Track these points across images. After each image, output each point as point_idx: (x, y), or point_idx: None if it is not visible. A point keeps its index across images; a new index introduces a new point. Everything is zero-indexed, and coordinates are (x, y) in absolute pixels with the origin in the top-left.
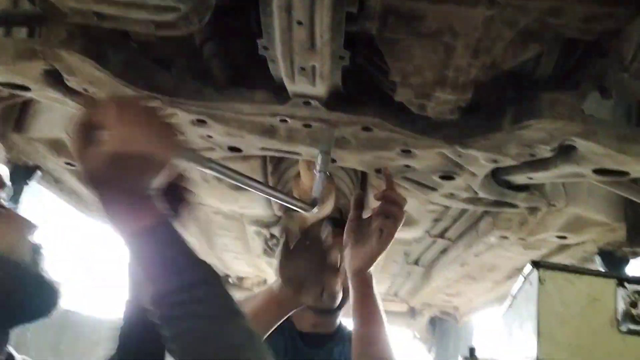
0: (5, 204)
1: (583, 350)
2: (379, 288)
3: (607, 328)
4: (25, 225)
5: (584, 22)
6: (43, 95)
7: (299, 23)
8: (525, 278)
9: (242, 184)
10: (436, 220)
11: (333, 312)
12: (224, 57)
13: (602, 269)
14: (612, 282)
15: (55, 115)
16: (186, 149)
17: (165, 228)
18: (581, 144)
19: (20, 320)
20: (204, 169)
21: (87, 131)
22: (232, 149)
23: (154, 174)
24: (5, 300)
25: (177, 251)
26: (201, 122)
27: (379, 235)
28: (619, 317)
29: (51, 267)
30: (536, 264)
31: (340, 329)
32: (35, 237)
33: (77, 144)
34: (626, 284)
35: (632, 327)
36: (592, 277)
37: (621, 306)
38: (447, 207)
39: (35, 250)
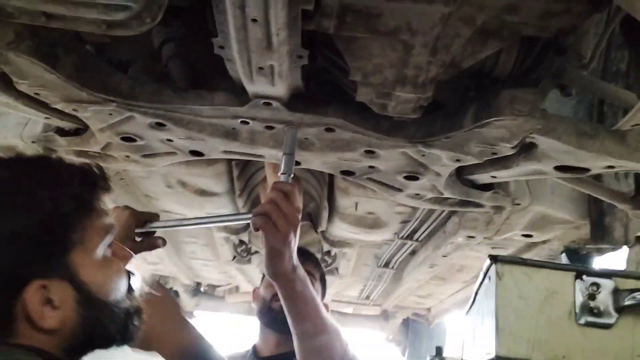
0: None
1: (542, 344)
2: (350, 292)
3: (566, 321)
4: (124, 257)
5: (540, 19)
6: None
7: (254, 20)
8: (484, 274)
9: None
10: (404, 222)
11: None
12: (182, 59)
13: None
14: (570, 275)
15: (8, 121)
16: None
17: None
18: (541, 140)
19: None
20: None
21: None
22: (194, 152)
23: None
24: (93, 333)
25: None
26: (160, 125)
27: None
28: (577, 310)
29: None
30: (494, 258)
31: None
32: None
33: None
34: (584, 277)
35: (590, 319)
36: (550, 270)
37: (579, 299)
38: (414, 209)
39: (128, 280)
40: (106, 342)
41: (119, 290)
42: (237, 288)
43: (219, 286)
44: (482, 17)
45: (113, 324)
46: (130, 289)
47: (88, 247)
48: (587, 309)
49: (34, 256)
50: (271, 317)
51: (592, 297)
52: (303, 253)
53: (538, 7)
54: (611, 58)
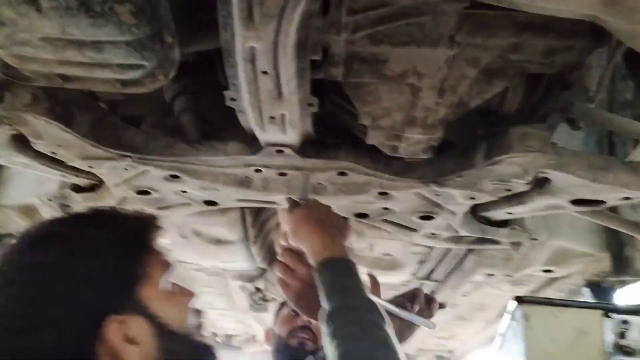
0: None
1: None
2: None
3: None
4: (189, 295)
5: (544, 57)
6: (10, 162)
7: (264, 73)
8: (511, 315)
9: None
10: (421, 262)
11: None
12: (194, 112)
13: (590, 301)
14: (597, 314)
15: (25, 180)
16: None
17: (347, 264)
18: (555, 175)
19: None
20: None
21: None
22: (208, 202)
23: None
24: None
25: (351, 282)
26: (174, 177)
27: None
28: (608, 349)
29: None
30: (519, 300)
31: None
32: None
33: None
34: (612, 315)
35: (622, 358)
36: (577, 310)
37: (609, 337)
38: (431, 249)
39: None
40: None
41: (189, 323)
42: (254, 337)
43: (235, 336)
44: (487, 58)
45: (190, 356)
46: (199, 325)
47: (153, 281)
48: (618, 348)
49: (107, 295)
50: (289, 354)
51: (622, 335)
52: None
53: (541, 45)
54: (617, 89)
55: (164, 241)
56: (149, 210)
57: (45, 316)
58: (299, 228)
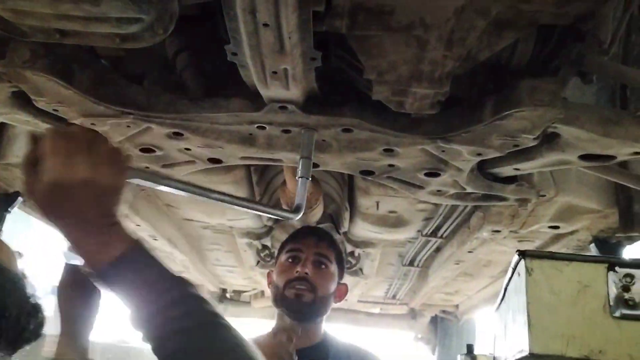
0: None
1: (577, 340)
2: (376, 292)
3: (600, 314)
4: (10, 254)
5: (557, 6)
6: (13, 119)
7: (265, 25)
8: (513, 269)
9: (207, 197)
10: (427, 219)
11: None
12: (196, 68)
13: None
14: (602, 267)
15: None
16: (139, 170)
17: (136, 253)
18: (564, 130)
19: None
20: (160, 187)
21: (32, 166)
22: (212, 160)
23: (110, 200)
24: None
25: (152, 273)
26: (178, 135)
27: None
28: (612, 303)
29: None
30: (522, 254)
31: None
32: (20, 266)
33: (25, 180)
34: (617, 268)
35: (626, 311)
36: (581, 264)
37: (613, 291)
38: (436, 205)
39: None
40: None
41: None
42: (262, 293)
43: (244, 291)
44: (497, 8)
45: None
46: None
47: None
48: (621, 301)
49: None
50: (286, 305)
51: (626, 288)
52: (315, 232)
53: None
54: (631, 42)
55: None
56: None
57: None
58: (49, 203)
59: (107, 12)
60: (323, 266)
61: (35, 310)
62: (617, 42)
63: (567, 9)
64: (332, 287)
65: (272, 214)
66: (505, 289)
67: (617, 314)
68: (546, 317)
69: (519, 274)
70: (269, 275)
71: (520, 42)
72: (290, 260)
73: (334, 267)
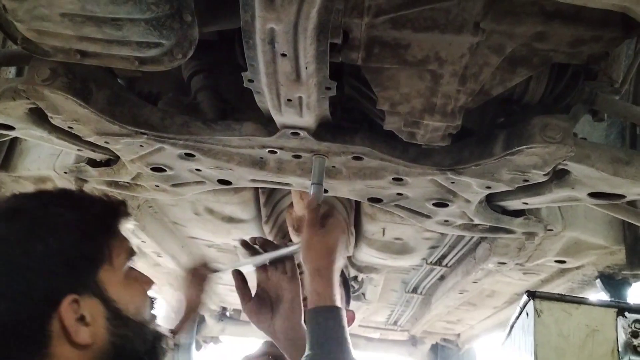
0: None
1: None
2: (377, 317)
3: None
4: (149, 283)
5: (571, 46)
6: (28, 134)
7: (283, 55)
8: (521, 309)
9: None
10: (433, 248)
11: None
12: (211, 91)
13: (604, 294)
14: (611, 312)
15: (42, 152)
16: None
17: (338, 314)
18: (575, 167)
19: None
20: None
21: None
22: (222, 181)
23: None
24: (122, 351)
25: (339, 334)
26: (189, 156)
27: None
28: (620, 349)
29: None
30: (532, 295)
31: None
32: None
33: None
34: (627, 314)
35: (634, 358)
36: (590, 307)
37: (622, 337)
38: (443, 234)
39: (152, 304)
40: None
41: (145, 310)
42: None
43: None
44: (512, 46)
45: (142, 344)
46: (154, 314)
47: (114, 266)
48: (630, 348)
49: (66, 274)
50: None
51: (635, 334)
52: None
53: (569, 34)
54: None
55: (130, 227)
56: (120, 195)
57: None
58: (315, 253)
59: (128, 36)
60: None
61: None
62: (629, 82)
63: (582, 48)
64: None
65: (288, 253)
66: (512, 327)
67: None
68: None
69: (527, 314)
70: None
71: (533, 78)
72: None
73: (341, 292)
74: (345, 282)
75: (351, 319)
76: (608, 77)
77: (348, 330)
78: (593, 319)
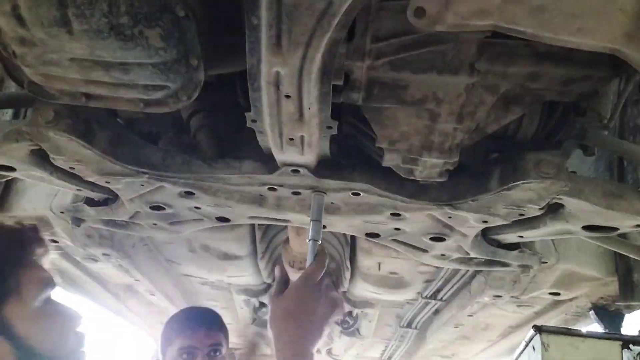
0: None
1: None
2: (371, 353)
3: None
4: (72, 318)
5: (563, 85)
6: (28, 175)
7: (287, 97)
8: (527, 343)
9: None
10: (428, 282)
11: None
12: (210, 130)
13: (598, 325)
14: (616, 345)
15: (38, 192)
16: None
17: None
18: (569, 202)
19: None
20: None
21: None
22: (220, 219)
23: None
24: None
25: None
26: (189, 194)
27: None
28: None
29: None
30: (538, 329)
31: None
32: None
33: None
34: (631, 346)
35: None
36: (596, 340)
37: None
38: (438, 268)
39: (78, 341)
40: None
41: (65, 347)
42: (254, 350)
43: (237, 349)
44: (506, 86)
45: None
46: (81, 350)
47: (23, 299)
48: None
49: None
50: None
51: None
52: (203, 321)
53: (560, 74)
54: (627, 115)
55: (50, 256)
56: (37, 217)
57: None
58: (275, 320)
59: (135, 80)
60: (218, 353)
61: None
62: (616, 117)
63: (572, 87)
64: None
65: None
66: None
67: None
68: None
69: (533, 348)
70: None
71: (526, 116)
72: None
73: (225, 348)
74: (224, 329)
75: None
76: (597, 113)
77: None
78: (599, 352)
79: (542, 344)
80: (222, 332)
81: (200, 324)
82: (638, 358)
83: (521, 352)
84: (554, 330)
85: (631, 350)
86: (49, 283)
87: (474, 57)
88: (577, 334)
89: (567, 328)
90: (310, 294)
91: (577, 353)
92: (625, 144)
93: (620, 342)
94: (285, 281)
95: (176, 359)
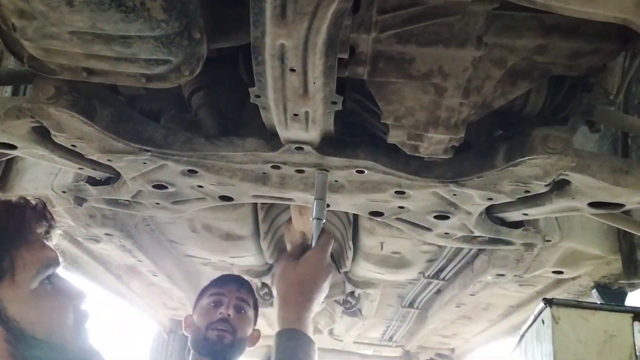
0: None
1: None
2: (373, 333)
3: None
4: (73, 296)
5: (570, 59)
6: (29, 153)
7: (292, 70)
8: (536, 316)
9: None
10: (430, 261)
11: None
12: (212, 107)
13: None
14: (628, 317)
15: (39, 172)
16: None
17: (308, 341)
18: (575, 178)
19: None
20: None
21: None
22: (223, 198)
23: None
24: None
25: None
26: (192, 172)
27: None
28: (638, 353)
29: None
30: (549, 302)
31: None
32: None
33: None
34: None
35: None
36: (607, 313)
37: (639, 341)
38: (441, 247)
39: (80, 319)
40: None
41: (62, 329)
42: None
43: None
44: (513, 59)
45: None
46: (84, 329)
47: (17, 281)
48: None
49: None
50: (207, 347)
51: None
52: (236, 279)
53: (568, 47)
54: (632, 92)
55: (57, 232)
56: (38, 196)
57: None
58: (285, 282)
59: (137, 54)
60: (243, 311)
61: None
62: (622, 93)
63: (580, 61)
64: (249, 331)
65: None
66: (523, 335)
67: None
68: None
69: (543, 322)
70: (186, 319)
71: (532, 91)
72: (212, 303)
73: (251, 313)
74: (255, 302)
75: (257, 338)
76: (604, 89)
77: (312, 354)
78: (610, 324)
79: (553, 316)
80: (251, 296)
81: (234, 280)
82: None
83: (530, 326)
84: (564, 302)
85: None
86: (50, 263)
87: (482, 30)
88: (587, 307)
89: (578, 300)
90: (323, 269)
91: (587, 325)
92: (633, 119)
93: (632, 315)
94: (304, 247)
95: (205, 305)
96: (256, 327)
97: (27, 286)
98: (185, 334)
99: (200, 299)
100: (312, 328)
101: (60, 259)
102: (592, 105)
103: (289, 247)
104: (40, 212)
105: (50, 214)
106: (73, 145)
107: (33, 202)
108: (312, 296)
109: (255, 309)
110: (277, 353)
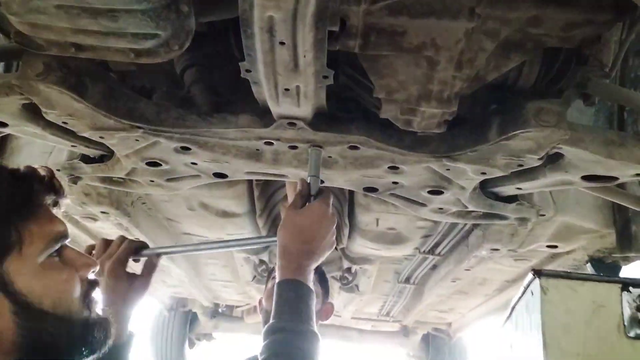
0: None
1: (592, 359)
2: (370, 309)
3: (615, 334)
4: (80, 265)
5: (564, 30)
6: (21, 131)
7: (282, 43)
8: (525, 288)
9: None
10: (426, 237)
11: None
12: (204, 84)
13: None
14: (616, 287)
15: (33, 150)
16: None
17: (308, 292)
18: (569, 151)
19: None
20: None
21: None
22: (218, 175)
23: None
24: (38, 346)
25: (306, 310)
26: (185, 149)
27: None
28: (626, 323)
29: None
30: (538, 273)
31: None
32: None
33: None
34: (631, 289)
35: None
36: (595, 283)
37: (627, 311)
38: (436, 223)
39: (88, 289)
40: (63, 355)
41: (68, 300)
42: (255, 308)
43: (237, 306)
44: (506, 31)
45: (65, 337)
46: (90, 299)
47: (24, 254)
48: (636, 322)
49: None
50: None
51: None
52: None
53: (562, 18)
54: (629, 65)
55: (64, 203)
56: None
57: None
58: (286, 230)
59: (124, 28)
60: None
61: (97, 327)
62: (617, 66)
63: (574, 32)
64: (317, 307)
65: (272, 243)
66: (513, 308)
67: (632, 334)
68: (561, 337)
69: (532, 293)
70: (259, 302)
71: (526, 64)
72: None
73: (317, 288)
74: (323, 275)
75: (330, 311)
76: (598, 61)
77: (311, 304)
78: (598, 294)
79: (541, 287)
80: (315, 271)
81: None
82: (638, 300)
83: (520, 298)
84: (553, 273)
85: (631, 292)
86: (59, 237)
87: (474, 1)
88: (576, 277)
89: (566, 271)
90: (327, 217)
91: (576, 296)
92: (626, 91)
93: (620, 285)
94: (306, 196)
95: (269, 288)
96: (328, 301)
97: (35, 260)
98: (260, 317)
99: (269, 280)
100: (312, 278)
101: (67, 232)
102: (586, 78)
103: (290, 198)
104: (48, 183)
105: (59, 182)
106: (64, 123)
107: (41, 172)
108: (314, 245)
109: (322, 282)
110: (275, 305)
